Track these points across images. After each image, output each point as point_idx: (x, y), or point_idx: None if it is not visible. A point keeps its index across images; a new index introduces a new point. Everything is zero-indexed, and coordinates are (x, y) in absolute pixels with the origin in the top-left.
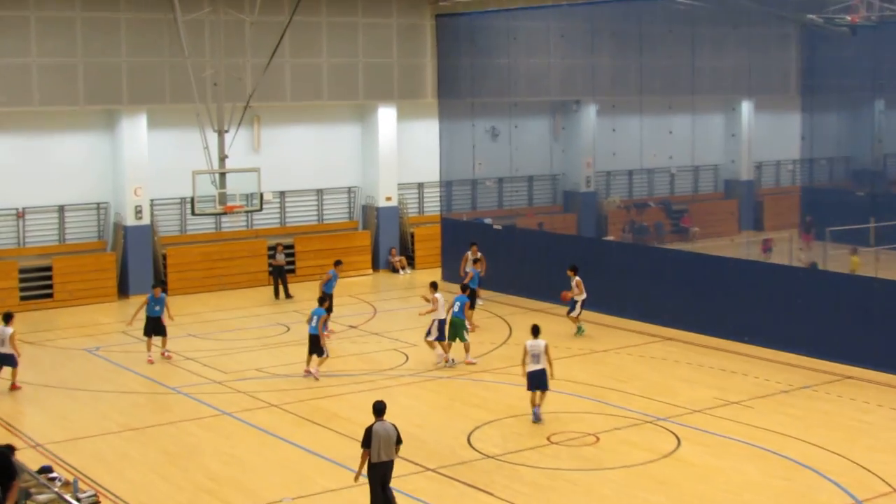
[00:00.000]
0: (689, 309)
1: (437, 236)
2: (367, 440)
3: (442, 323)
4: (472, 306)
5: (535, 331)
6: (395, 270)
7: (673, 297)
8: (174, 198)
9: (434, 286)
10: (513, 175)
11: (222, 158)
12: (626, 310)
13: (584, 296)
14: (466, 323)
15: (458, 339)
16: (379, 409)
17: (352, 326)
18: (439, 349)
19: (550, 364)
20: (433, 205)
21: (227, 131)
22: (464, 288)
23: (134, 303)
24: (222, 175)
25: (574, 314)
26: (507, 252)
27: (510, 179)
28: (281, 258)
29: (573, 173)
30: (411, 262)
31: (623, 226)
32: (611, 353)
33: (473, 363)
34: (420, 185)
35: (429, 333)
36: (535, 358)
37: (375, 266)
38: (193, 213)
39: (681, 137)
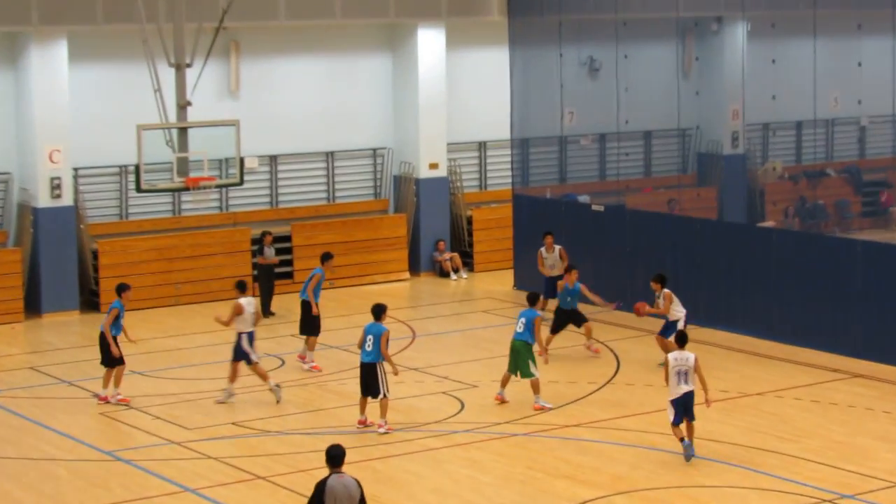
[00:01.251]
0: (890, 331)
1: (507, 222)
2: (319, 501)
3: (250, 337)
4: (557, 330)
5: (682, 339)
6: (444, 274)
7: (864, 312)
8: (110, 166)
9: (241, 287)
10: (621, 130)
11: (183, 107)
12: (793, 332)
13: (683, 312)
14: (535, 350)
15: (519, 374)
16: (335, 456)
17: None
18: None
19: (704, 384)
20: (501, 175)
21: (189, 66)
22: (532, 298)
23: (48, 324)
24: (182, 132)
25: (672, 337)
26: (613, 245)
27: (617, 136)
28: (271, 254)
29: (712, 127)
30: (468, 262)
31: (788, 205)
32: (769, 396)
33: (548, 408)
34: (481, 146)
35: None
36: (682, 377)
37: (414, 267)
38: (139, 190)
39: (875, 72)
